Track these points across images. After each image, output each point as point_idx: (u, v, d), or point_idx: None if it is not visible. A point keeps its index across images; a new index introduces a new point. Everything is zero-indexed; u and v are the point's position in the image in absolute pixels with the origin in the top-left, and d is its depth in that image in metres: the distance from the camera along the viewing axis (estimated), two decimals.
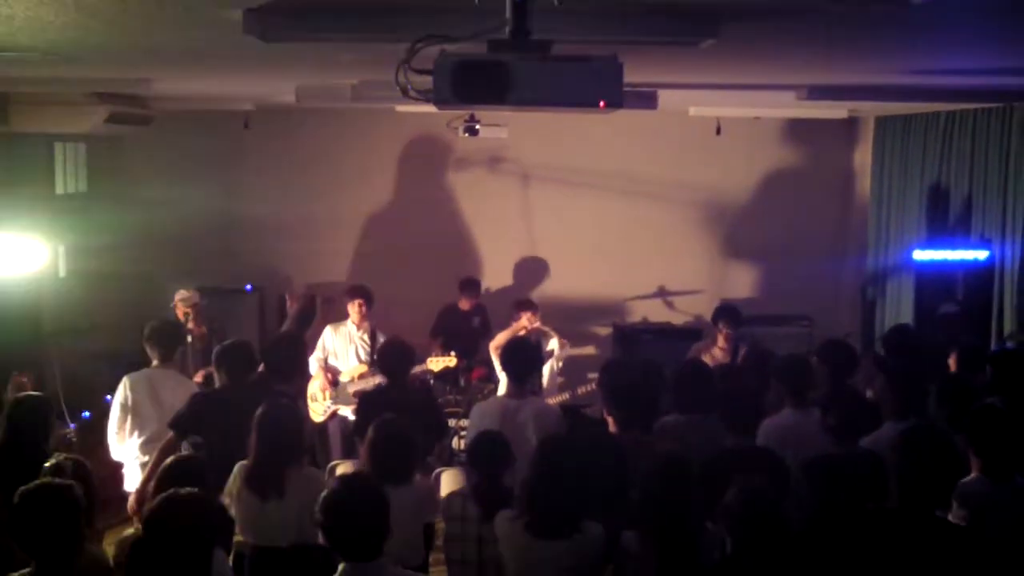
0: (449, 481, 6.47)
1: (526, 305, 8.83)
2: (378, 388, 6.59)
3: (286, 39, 4.30)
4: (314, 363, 8.52)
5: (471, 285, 10.05)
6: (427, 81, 3.63)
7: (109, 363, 8.99)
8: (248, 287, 10.52)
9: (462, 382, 9.24)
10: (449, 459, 8.59)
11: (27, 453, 5.38)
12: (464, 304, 9.97)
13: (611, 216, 11.05)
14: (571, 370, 9.04)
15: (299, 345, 6.92)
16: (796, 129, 10.98)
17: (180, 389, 6.67)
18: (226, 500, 5.11)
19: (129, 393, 6.75)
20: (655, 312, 11.15)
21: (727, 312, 8.68)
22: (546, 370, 8.56)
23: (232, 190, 10.69)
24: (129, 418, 6.73)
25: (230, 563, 4.80)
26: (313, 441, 7.17)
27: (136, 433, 6.72)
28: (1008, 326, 8.35)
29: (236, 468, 5.25)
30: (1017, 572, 4.49)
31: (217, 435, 5.95)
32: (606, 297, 11.10)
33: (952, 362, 6.87)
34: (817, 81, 7.22)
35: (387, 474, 4.78)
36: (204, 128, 10.42)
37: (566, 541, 4.57)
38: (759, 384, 6.29)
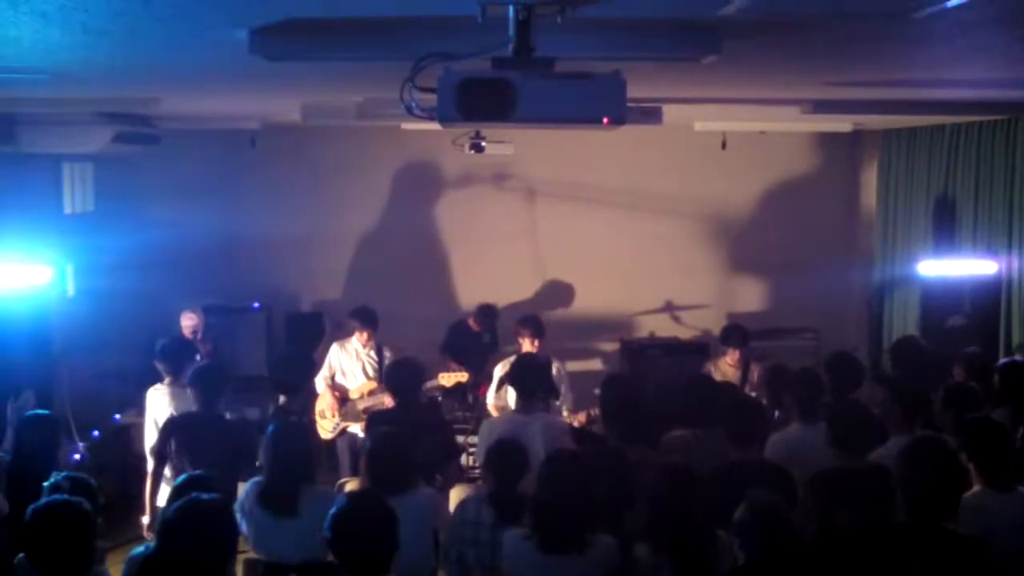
0: (458, 497, 6.46)
1: (530, 324, 8.69)
2: (387, 409, 6.63)
3: (291, 58, 4.33)
4: (320, 381, 8.53)
5: (486, 314, 9.96)
6: (431, 99, 3.65)
7: (118, 381, 9.05)
8: (255, 305, 10.55)
9: (470, 399, 9.24)
10: (459, 476, 8.60)
11: (35, 471, 5.40)
12: (473, 324, 9.96)
13: (617, 231, 11.05)
14: (578, 386, 9.00)
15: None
16: (802, 143, 10.99)
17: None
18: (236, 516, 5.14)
19: (156, 406, 6.80)
20: (662, 327, 11.14)
21: (734, 332, 8.70)
22: (563, 390, 8.44)
23: (239, 208, 10.70)
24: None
25: None
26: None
27: None
28: (1016, 338, 8.34)
29: (248, 485, 5.29)
30: None
31: (188, 458, 6.04)
32: (613, 312, 11.09)
33: (956, 372, 6.86)
34: (821, 96, 7.23)
35: (387, 485, 4.80)
36: (211, 147, 10.45)
37: (578, 556, 4.57)
38: (773, 400, 6.28)
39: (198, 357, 7.94)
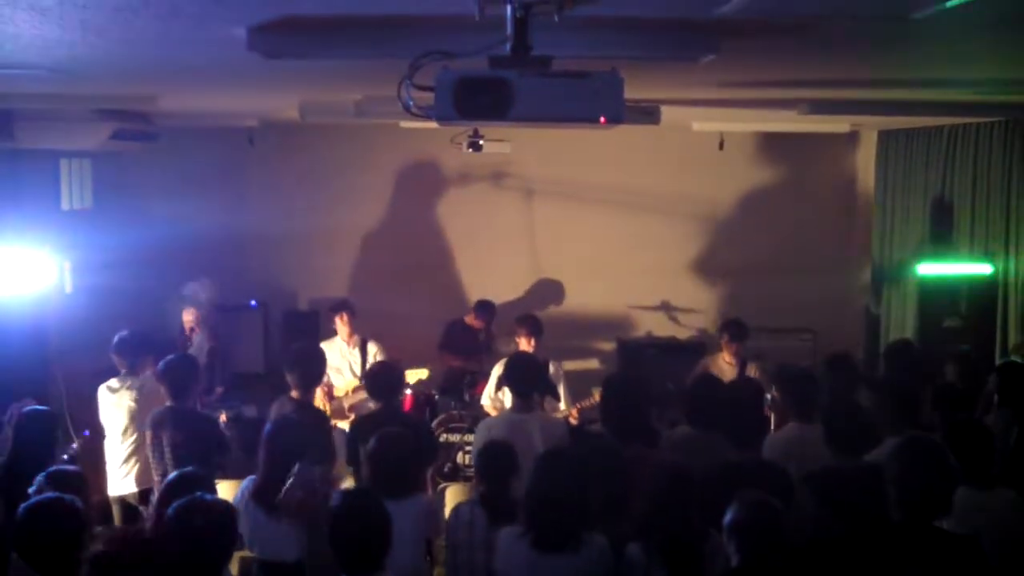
0: (454, 496, 6.48)
1: (527, 323, 8.65)
2: (370, 413, 6.61)
3: (289, 56, 4.34)
4: None
5: (485, 308, 9.98)
6: (429, 97, 3.65)
7: None
8: (253, 303, 10.55)
9: (467, 397, 9.24)
10: (455, 474, 8.60)
11: (33, 467, 5.40)
12: (472, 320, 9.96)
13: (615, 230, 11.07)
14: (574, 385, 9.00)
15: (323, 355, 6.93)
16: (799, 143, 10.99)
17: None
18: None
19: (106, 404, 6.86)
20: (659, 326, 11.16)
21: (731, 326, 8.71)
22: (562, 391, 8.44)
23: (237, 206, 10.71)
24: None
25: None
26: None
27: None
28: (1012, 338, 8.35)
29: (244, 483, 5.30)
30: None
31: (169, 452, 6.14)
32: (610, 311, 11.10)
33: (948, 371, 6.88)
34: (818, 96, 7.24)
35: (388, 488, 4.80)
36: (209, 144, 10.46)
37: (571, 555, 4.56)
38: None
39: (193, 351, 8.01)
